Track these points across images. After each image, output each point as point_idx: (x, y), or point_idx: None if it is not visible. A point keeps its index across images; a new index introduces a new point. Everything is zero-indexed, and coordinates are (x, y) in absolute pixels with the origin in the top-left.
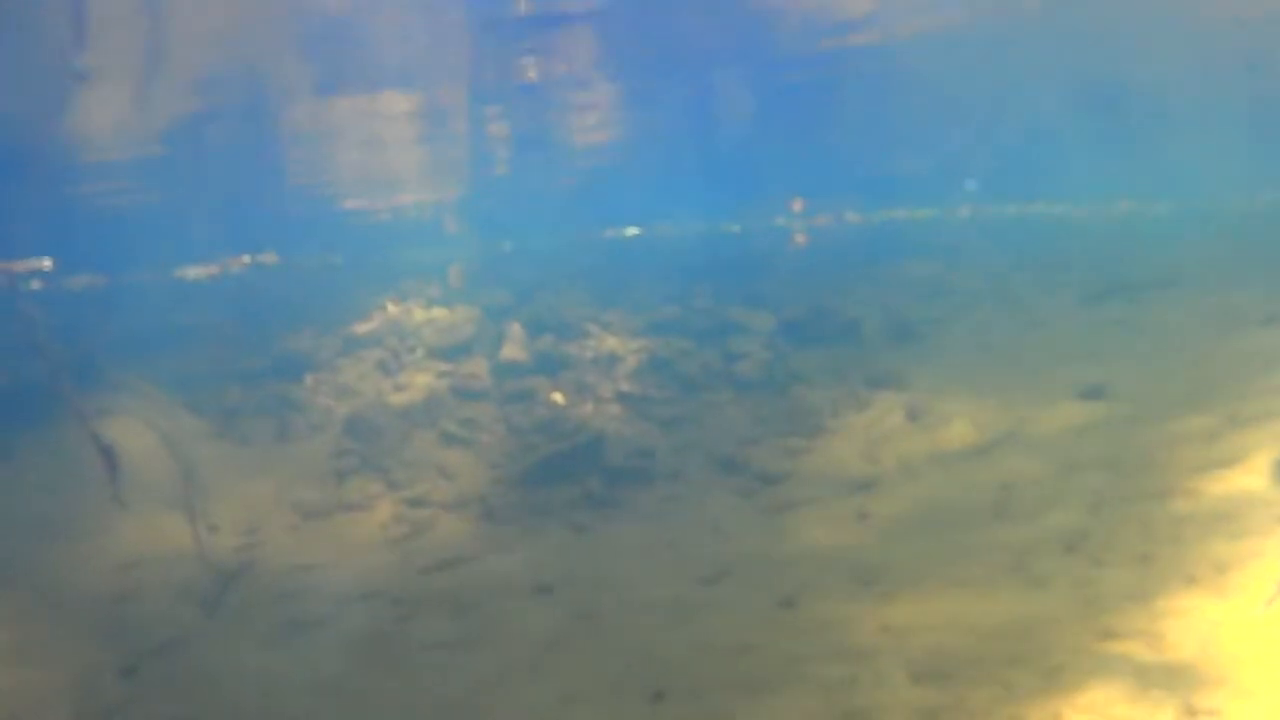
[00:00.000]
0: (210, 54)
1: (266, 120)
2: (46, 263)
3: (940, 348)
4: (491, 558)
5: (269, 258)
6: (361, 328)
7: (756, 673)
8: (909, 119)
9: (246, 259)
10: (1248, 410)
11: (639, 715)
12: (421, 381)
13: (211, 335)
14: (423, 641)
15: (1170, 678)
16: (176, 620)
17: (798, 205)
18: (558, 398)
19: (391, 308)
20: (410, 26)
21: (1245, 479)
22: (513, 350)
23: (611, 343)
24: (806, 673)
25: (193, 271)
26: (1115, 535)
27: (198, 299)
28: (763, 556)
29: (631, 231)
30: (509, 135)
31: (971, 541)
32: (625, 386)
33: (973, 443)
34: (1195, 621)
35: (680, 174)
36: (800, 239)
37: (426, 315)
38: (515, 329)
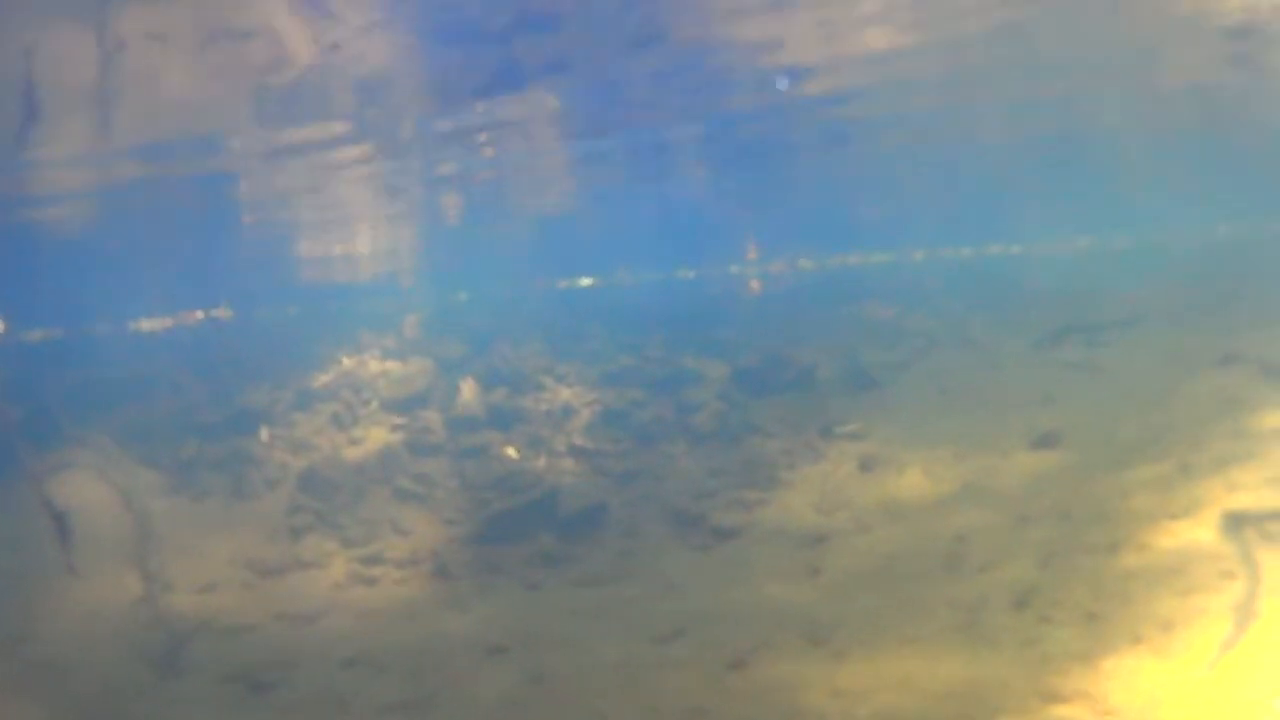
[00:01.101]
0: (162, 121)
1: (220, 179)
2: None
3: (896, 395)
4: (446, 616)
5: (223, 313)
6: (317, 381)
7: None
8: (862, 166)
9: (200, 314)
10: (1200, 458)
11: None
12: (376, 435)
13: (167, 389)
14: (376, 704)
15: None
16: (128, 680)
17: (752, 253)
18: (511, 452)
19: (346, 361)
20: (364, 83)
21: (1195, 531)
22: (467, 404)
23: (566, 395)
24: None
25: (147, 324)
26: (1064, 591)
27: (153, 352)
28: (716, 615)
29: (586, 282)
30: (461, 190)
31: (923, 597)
32: (579, 440)
33: (926, 494)
34: (1139, 682)
35: (633, 225)
36: (755, 286)
37: (381, 368)
38: (469, 383)
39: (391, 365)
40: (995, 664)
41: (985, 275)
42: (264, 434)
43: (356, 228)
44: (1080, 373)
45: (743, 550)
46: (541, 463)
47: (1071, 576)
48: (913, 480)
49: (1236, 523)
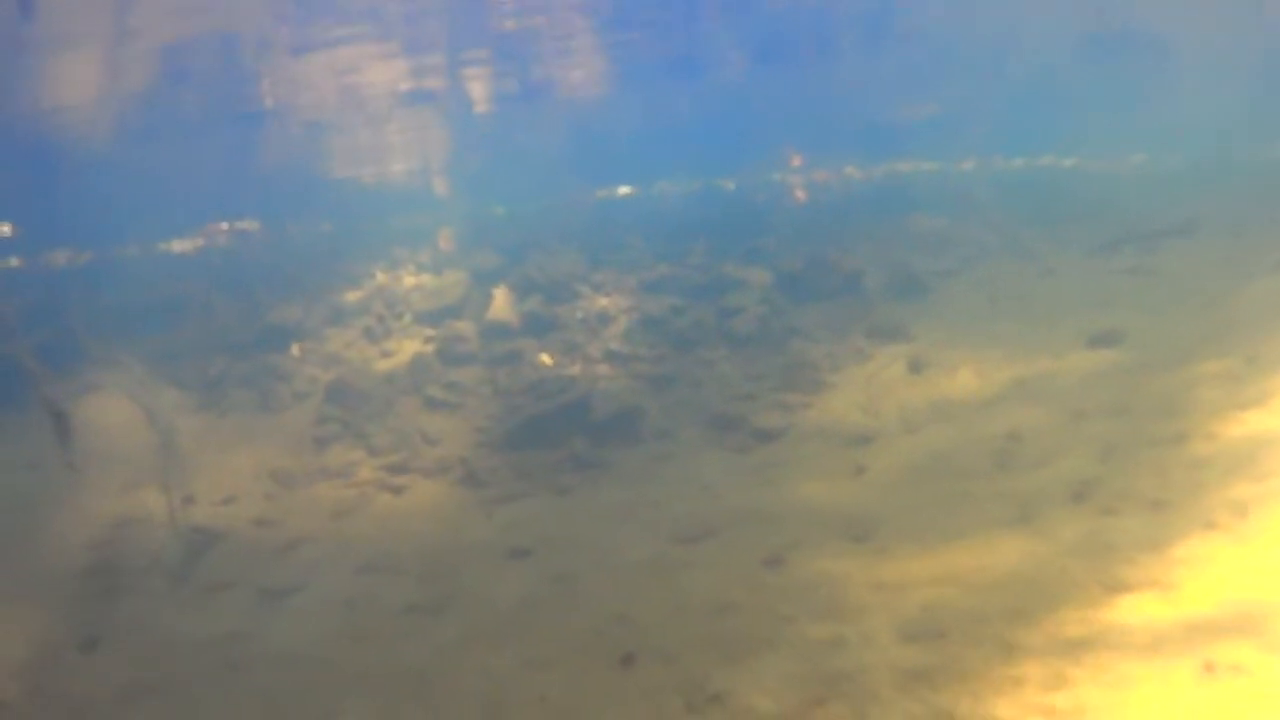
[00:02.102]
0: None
1: (244, 84)
2: (5, 228)
3: (946, 300)
4: (470, 522)
5: (249, 225)
6: (349, 296)
7: (736, 634)
8: (910, 67)
9: (225, 226)
10: (1267, 353)
11: (604, 680)
12: (408, 347)
13: (198, 308)
14: (390, 608)
15: (1188, 632)
16: (141, 589)
17: (796, 160)
18: (545, 359)
19: (380, 275)
20: None
21: (1268, 420)
22: (500, 313)
23: (602, 302)
24: (789, 634)
25: (178, 244)
26: (1127, 482)
27: (184, 272)
28: (752, 514)
29: (624, 191)
30: (493, 91)
31: (973, 493)
32: (615, 346)
33: (977, 393)
34: (1214, 569)
35: (672, 130)
36: (799, 194)
37: (415, 281)
38: (502, 291)
39: (426, 278)
40: (1053, 555)
41: (1037, 187)
42: (295, 349)
43: (386, 135)
44: (1137, 278)
45: (783, 451)
46: (576, 369)
47: (1135, 468)
48: (964, 381)
49: None
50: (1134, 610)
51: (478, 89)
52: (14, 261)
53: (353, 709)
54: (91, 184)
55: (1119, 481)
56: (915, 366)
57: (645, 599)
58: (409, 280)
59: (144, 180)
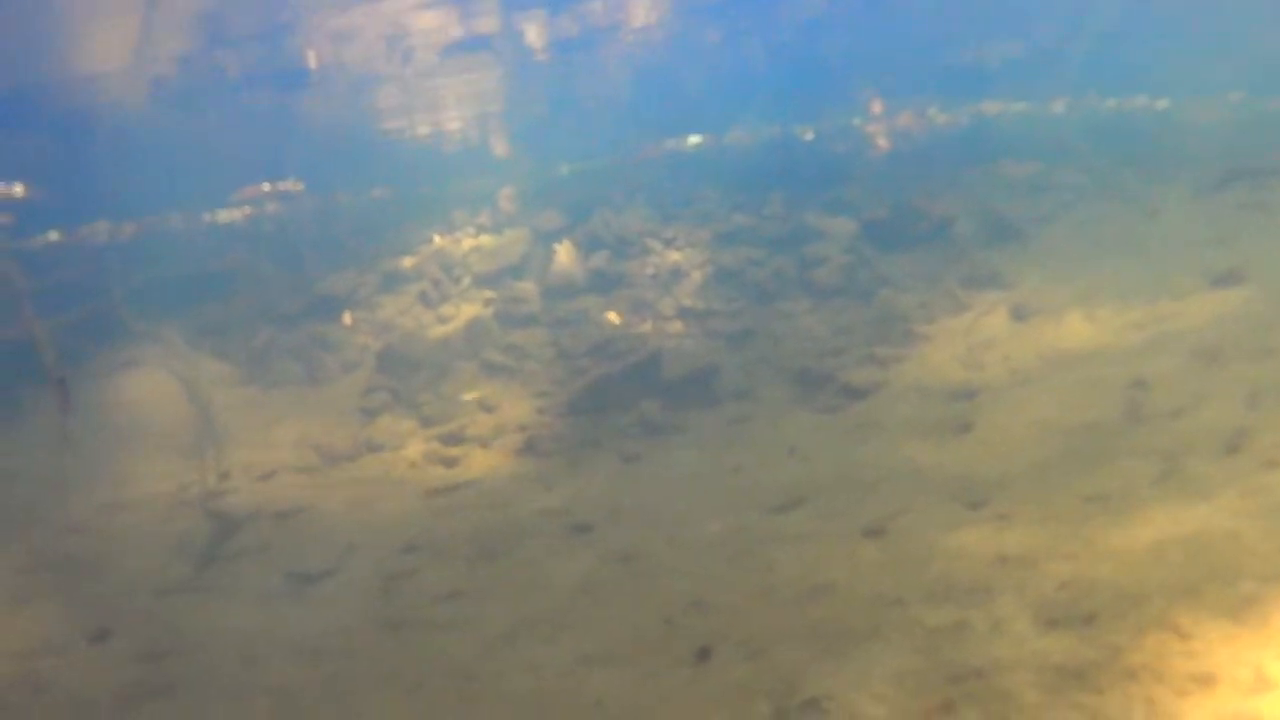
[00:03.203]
0: None
1: (285, 41)
2: (17, 189)
3: (1045, 245)
4: (528, 494)
5: (292, 185)
6: (406, 262)
7: (834, 621)
8: (994, 4)
9: (266, 187)
10: None
11: (673, 680)
12: (466, 311)
13: (246, 279)
14: (431, 595)
15: None
16: (164, 573)
17: (877, 106)
18: (613, 317)
19: (438, 239)
20: None
21: None
22: (564, 271)
23: (674, 257)
24: (899, 619)
25: (224, 214)
26: None
27: (231, 242)
28: (845, 479)
29: (694, 140)
30: (552, 37)
31: (1104, 449)
32: (688, 301)
33: (1092, 340)
34: None
35: (745, 75)
36: (881, 142)
37: (475, 243)
38: (566, 248)
39: (485, 239)
40: (1216, 518)
41: (1132, 127)
42: (346, 318)
43: (442, 91)
44: (1254, 214)
45: (876, 410)
46: (646, 327)
47: None
48: (1075, 327)
49: None
50: None
51: (535, 35)
52: (53, 235)
53: (377, 714)
54: (132, 153)
55: (1274, 430)
56: (1019, 314)
57: (724, 581)
58: (468, 243)
59: (186, 148)
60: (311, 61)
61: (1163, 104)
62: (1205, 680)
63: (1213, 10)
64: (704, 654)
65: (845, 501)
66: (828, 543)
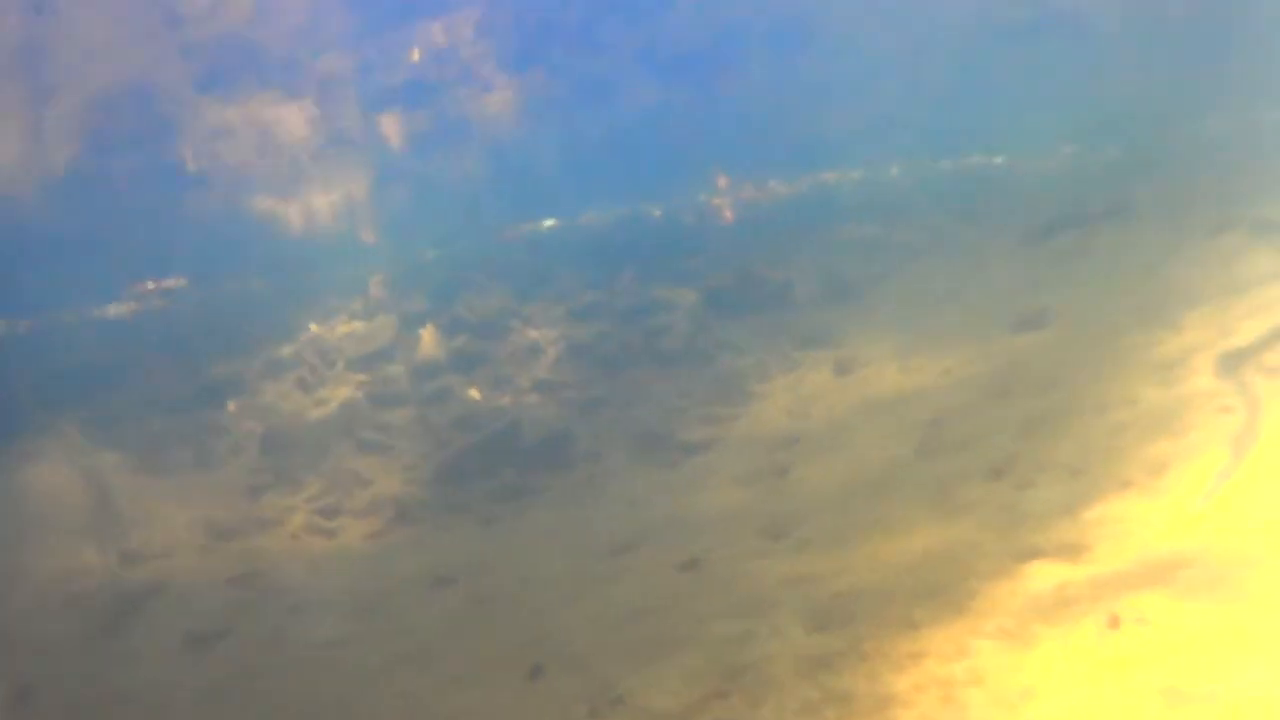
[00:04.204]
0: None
1: (164, 137)
2: None
3: (874, 303)
4: (399, 557)
5: (177, 282)
6: (284, 349)
7: (647, 638)
8: (828, 77)
9: (151, 285)
10: (1192, 318)
11: (513, 693)
12: (340, 393)
13: (135, 371)
14: (319, 642)
15: (1095, 589)
16: (74, 642)
17: (722, 180)
18: (474, 393)
19: (314, 326)
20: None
21: (1190, 380)
22: (429, 353)
23: (531, 335)
24: (699, 633)
25: (114, 309)
26: (1046, 454)
27: (121, 335)
28: (674, 523)
29: (549, 224)
30: (407, 131)
31: (895, 481)
32: (544, 375)
33: (904, 387)
34: (1127, 526)
35: (592, 159)
36: (727, 214)
37: (348, 329)
38: (430, 331)
39: (357, 325)
40: (968, 532)
41: (967, 185)
42: (231, 406)
43: (305, 181)
44: (1070, 259)
45: (710, 462)
46: (505, 400)
47: (1055, 441)
48: (890, 377)
49: (1233, 362)
50: (1043, 575)
51: (394, 130)
52: None
53: None
54: (20, 252)
55: (1038, 456)
56: (842, 369)
57: (562, 613)
58: (341, 329)
59: (74, 244)
60: (190, 160)
61: (999, 160)
62: (917, 655)
63: (1045, 66)
64: (538, 671)
65: (672, 542)
66: (651, 576)
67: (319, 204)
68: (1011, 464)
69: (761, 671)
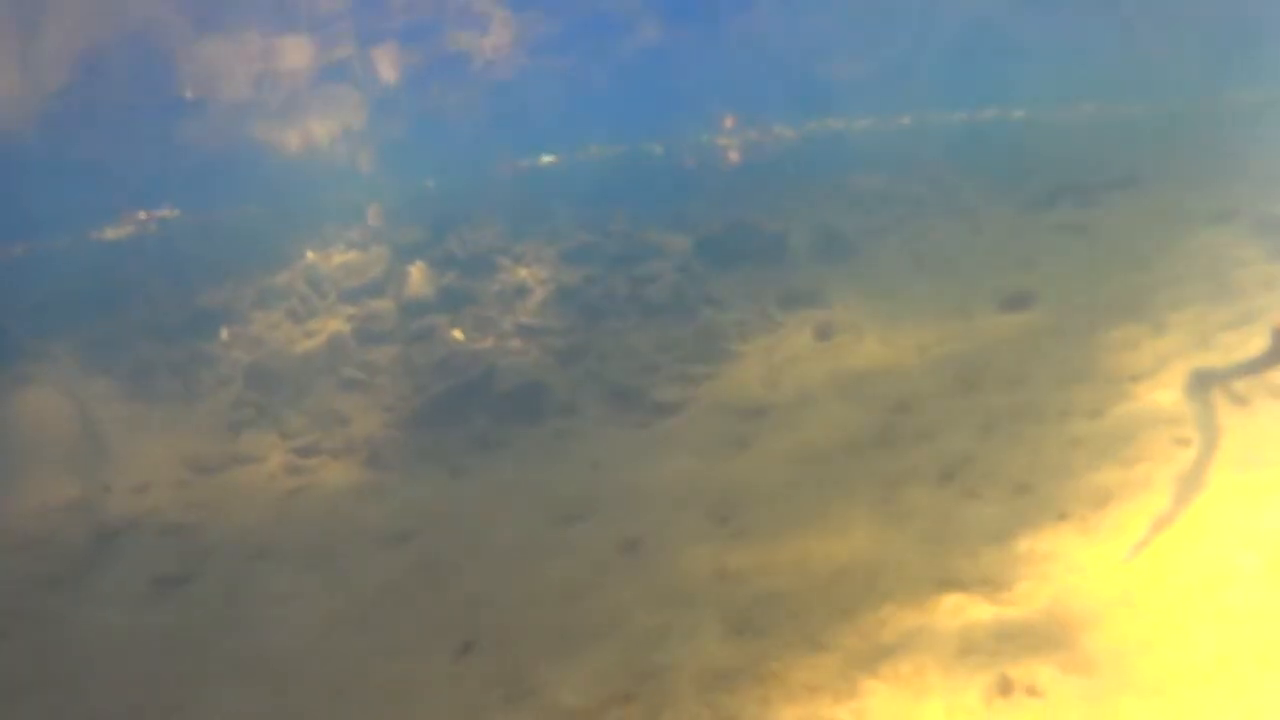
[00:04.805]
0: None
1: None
2: None
3: (871, 262)
4: (365, 506)
5: (169, 213)
6: (279, 277)
7: (575, 623)
8: (841, 18)
9: (143, 215)
10: (1177, 317)
11: (438, 670)
12: (330, 327)
13: (130, 296)
14: (269, 595)
15: (999, 641)
16: (44, 576)
17: (729, 122)
18: (457, 334)
19: (311, 254)
20: None
21: (1156, 394)
22: (418, 289)
23: (521, 274)
24: (623, 624)
25: (111, 232)
26: (1000, 461)
27: (118, 259)
28: (629, 493)
29: (547, 159)
30: (404, 65)
31: (847, 471)
32: (526, 319)
33: (879, 362)
34: (1051, 569)
35: (593, 96)
36: (733, 156)
37: (344, 258)
38: (420, 267)
39: (352, 255)
40: (899, 544)
41: (984, 140)
42: (223, 333)
43: (305, 111)
44: (1066, 234)
45: (679, 427)
46: (487, 343)
47: (1011, 446)
48: (868, 348)
49: (1203, 382)
50: (956, 612)
51: (390, 65)
52: None
53: (207, 696)
54: (16, 178)
55: (991, 461)
56: (823, 334)
57: (501, 587)
58: (337, 258)
59: (73, 171)
60: (187, 91)
61: (1018, 114)
62: (812, 689)
63: (1073, 20)
64: (467, 648)
65: (621, 516)
66: (593, 554)
67: (317, 132)
68: (963, 467)
69: (665, 680)
